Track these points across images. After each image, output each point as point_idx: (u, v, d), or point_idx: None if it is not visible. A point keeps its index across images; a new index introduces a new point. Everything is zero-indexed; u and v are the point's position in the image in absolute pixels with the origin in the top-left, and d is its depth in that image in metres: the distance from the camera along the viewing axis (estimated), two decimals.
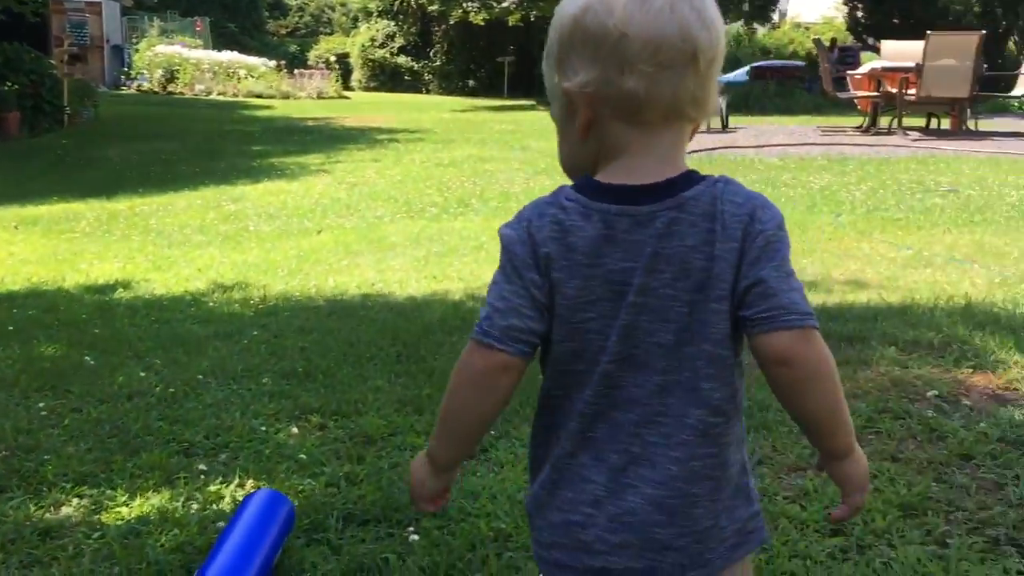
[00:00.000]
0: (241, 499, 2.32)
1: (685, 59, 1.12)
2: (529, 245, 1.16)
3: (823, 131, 14.83)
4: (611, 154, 1.17)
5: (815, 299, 4.45)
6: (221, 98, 23.54)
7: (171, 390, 3.32)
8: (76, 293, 5.24)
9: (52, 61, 15.95)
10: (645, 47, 1.10)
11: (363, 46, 32.76)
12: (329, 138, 15.33)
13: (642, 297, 1.14)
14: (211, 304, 4.90)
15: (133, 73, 24.66)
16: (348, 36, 35.94)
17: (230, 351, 3.87)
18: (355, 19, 37.80)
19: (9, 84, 14.22)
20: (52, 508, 2.39)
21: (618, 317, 1.15)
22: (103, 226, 7.80)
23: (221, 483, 2.53)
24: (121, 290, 5.31)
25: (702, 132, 14.80)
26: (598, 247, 1.14)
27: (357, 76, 32.60)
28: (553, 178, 10.73)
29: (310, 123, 17.92)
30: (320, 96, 25.02)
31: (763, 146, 12.81)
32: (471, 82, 30.38)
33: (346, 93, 27.82)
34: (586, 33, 1.13)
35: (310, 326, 4.28)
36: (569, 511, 1.21)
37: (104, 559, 2.11)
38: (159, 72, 23.78)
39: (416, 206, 8.62)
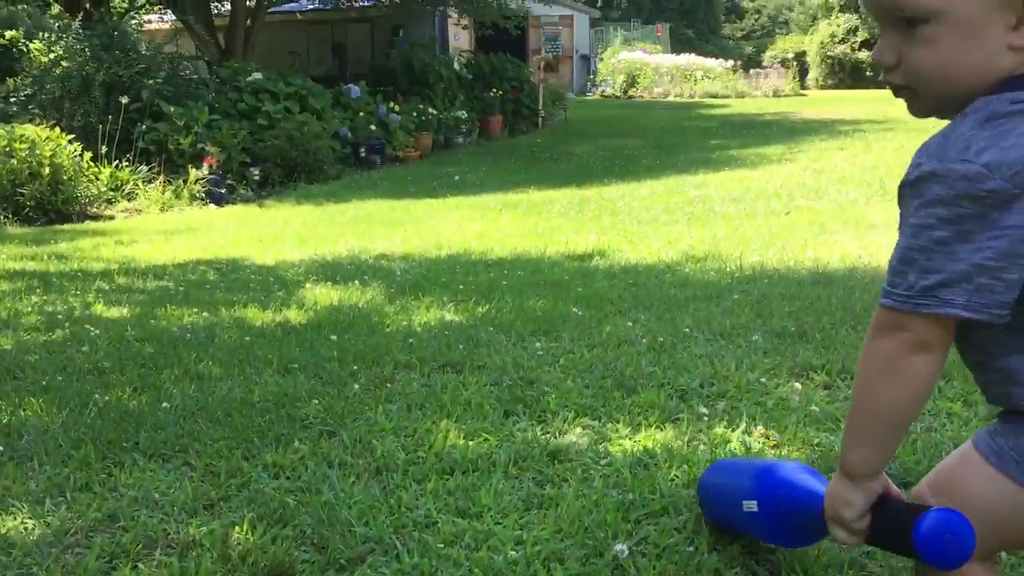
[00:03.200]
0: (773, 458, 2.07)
1: None
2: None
3: None
4: None
5: None
6: (678, 99, 23.97)
7: (660, 339, 3.21)
8: (557, 259, 5.45)
9: (530, 70, 17.33)
10: None
11: (822, 43, 31.42)
12: (788, 131, 14.80)
13: None
14: (686, 271, 4.78)
15: (598, 79, 26.07)
16: (806, 34, 34.74)
17: (712, 311, 3.69)
18: (814, 16, 36.43)
19: (495, 91, 15.70)
20: (556, 434, 2.35)
21: None
22: (575, 208, 8.18)
23: (726, 427, 2.33)
24: (597, 258, 5.42)
25: None
26: None
27: (814, 74, 31.37)
28: None
29: (767, 118, 17.50)
30: (776, 94, 24.41)
31: None
32: None
33: (802, 91, 26.85)
34: None
35: (794, 293, 3.97)
36: None
37: (615, 485, 2.00)
38: (621, 77, 24.88)
39: (894, 190, 7.87)
